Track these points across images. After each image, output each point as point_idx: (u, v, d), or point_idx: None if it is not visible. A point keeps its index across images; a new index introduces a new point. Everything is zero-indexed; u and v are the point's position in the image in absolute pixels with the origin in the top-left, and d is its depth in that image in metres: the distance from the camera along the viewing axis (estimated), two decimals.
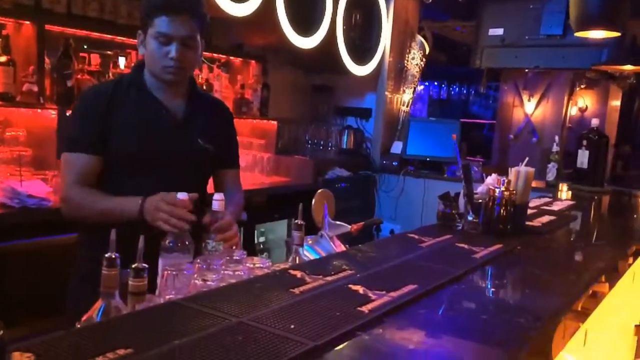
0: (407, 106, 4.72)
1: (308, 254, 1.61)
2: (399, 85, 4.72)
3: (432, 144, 4.49)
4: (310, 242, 1.66)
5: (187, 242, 1.37)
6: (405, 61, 4.67)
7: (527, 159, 2.09)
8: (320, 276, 1.28)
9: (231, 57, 3.94)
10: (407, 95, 4.72)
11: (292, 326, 0.96)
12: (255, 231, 3.67)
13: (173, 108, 1.64)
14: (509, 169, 1.99)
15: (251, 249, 3.65)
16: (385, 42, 4.49)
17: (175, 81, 1.61)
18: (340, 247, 1.67)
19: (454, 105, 8.30)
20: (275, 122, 4.08)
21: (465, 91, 8.51)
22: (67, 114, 2.30)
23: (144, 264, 1.03)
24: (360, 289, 1.19)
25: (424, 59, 4.68)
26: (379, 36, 4.42)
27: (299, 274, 1.29)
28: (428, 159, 4.49)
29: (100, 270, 1.09)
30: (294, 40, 3.55)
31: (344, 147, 4.55)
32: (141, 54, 1.62)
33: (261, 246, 3.83)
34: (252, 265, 1.40)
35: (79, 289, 1.55)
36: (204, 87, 3.63)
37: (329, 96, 4.77)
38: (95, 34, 2.99)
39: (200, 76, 3.62)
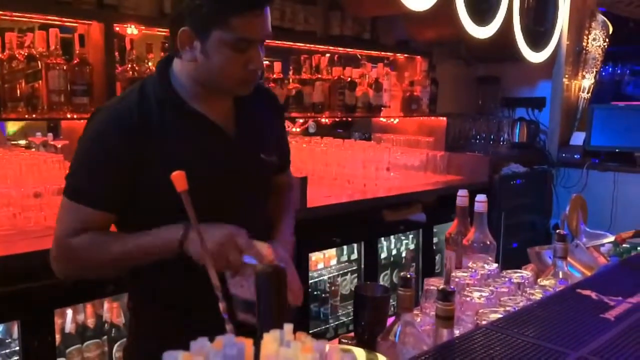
0: (587, 92, 4.28)
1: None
2: (577, 69, 4.29)
3: (621, 132, 4.02)
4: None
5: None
6: (585, 43, 4.23)
7: None
8: (620, 297, 1.11)
9: (397, 55, 3.85)
10: (587, 81, 4.29)
11: None
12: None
13: (222, 121, 1.24)
14: None
15: (431, 253, 3.53)
16: (563, 23, 4.10)
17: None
18: (600, 259, 1.48)
19: (604, 87, 7.58)
20: (444, 118, 3.91)
21: (619, 71, 7.74)
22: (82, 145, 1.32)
23: (453, 287, 0.95)
24: None
25: (607, 40, 4.21)
26: (555, 17, 4.05)
27: (592, 294, 1.13)
28: (617, 150, 4.03)
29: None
30: (471, 30, 3.36)
31: (516, 140, 4.24)
32: (188, 60, 1.17)
33: (434, 247, 3.70)
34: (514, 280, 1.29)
35: (139, 349, 1.32)
36: (373, 87, 3.56)
37: (496, 87, 4.48)
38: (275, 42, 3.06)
39: (367, 75, 3.55)
